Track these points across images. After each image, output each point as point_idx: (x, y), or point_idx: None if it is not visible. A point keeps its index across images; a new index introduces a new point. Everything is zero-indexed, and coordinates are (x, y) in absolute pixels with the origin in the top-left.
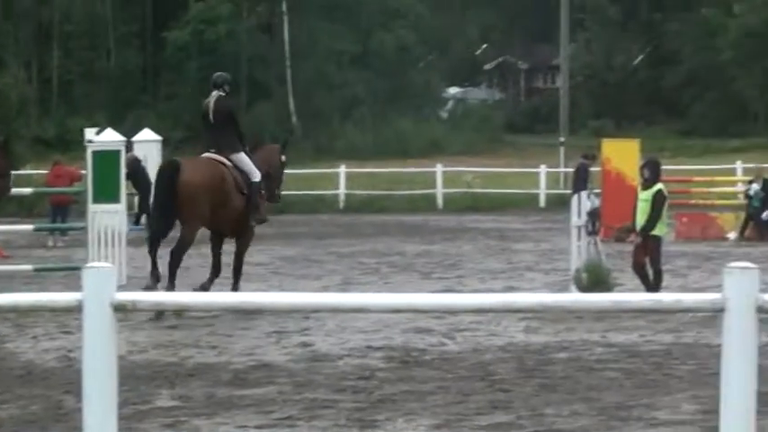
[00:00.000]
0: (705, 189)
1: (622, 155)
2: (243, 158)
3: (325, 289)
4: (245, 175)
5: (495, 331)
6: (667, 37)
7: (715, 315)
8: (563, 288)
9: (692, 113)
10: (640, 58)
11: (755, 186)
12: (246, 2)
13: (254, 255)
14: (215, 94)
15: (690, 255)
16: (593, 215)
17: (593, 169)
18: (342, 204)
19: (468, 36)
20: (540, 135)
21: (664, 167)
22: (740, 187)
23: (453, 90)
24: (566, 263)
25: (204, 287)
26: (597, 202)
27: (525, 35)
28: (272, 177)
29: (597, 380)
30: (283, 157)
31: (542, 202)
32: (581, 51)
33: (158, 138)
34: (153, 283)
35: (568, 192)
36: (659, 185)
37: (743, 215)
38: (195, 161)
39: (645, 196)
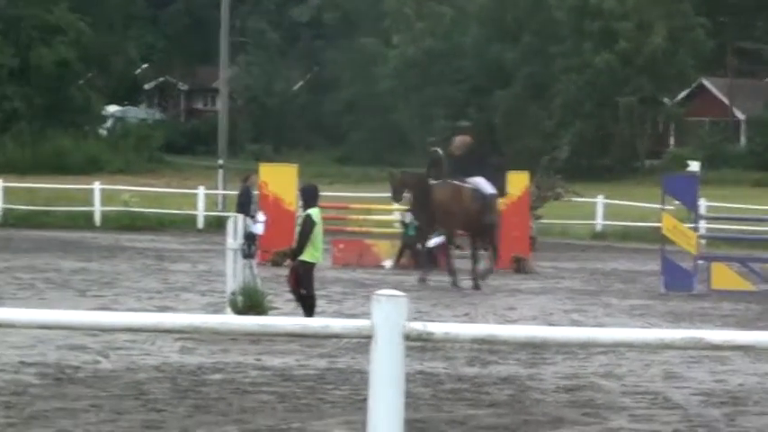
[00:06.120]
0: (362, 216)
1: (280, 179)
2: None
3: None
4: None
5: (149, 350)
6: (327, 64)
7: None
8: (218, 310)
9: (350, 141)
10: (300, 83)
11: (410, 215)
12: None
13: None
14: None
15: (345, 281)
16: (250, 238)
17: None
18: None
19: (128, 55)
20: (199, 157)
21: (322, 194)
22: (396, 216)
23: (113, 108)
24: (222, 285)
25: None
26: (261, 228)
27: (186, 56)
28: None
29: (250, 402)
30: None
31: (201, 224)
32: (241, 75)
33: None
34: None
35: (226, 214)
36: (309, 210)
37: (398, 243)
38: None
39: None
